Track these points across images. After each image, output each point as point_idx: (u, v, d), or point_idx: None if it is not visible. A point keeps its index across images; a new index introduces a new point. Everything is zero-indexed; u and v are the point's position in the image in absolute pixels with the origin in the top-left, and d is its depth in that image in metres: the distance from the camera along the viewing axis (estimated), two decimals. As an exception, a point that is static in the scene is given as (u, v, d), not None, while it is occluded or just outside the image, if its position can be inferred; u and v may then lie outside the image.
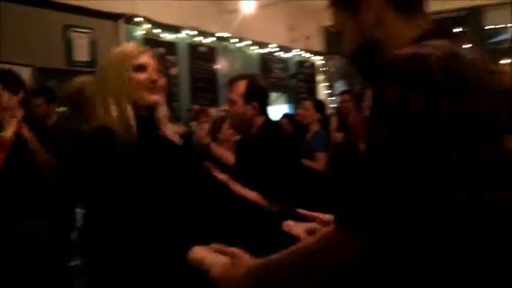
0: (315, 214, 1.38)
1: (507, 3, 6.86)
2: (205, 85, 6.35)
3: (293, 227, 1.46)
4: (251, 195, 2.40)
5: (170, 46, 5.89)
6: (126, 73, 1.57)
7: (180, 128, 1.78)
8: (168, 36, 5.87)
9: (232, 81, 2.52)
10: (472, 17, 7.20)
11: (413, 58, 0.87)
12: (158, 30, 5.71)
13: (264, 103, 2.48)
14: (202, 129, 4.01)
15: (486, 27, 7.31)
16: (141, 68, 1.59)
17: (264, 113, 2.49)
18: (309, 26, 7.94)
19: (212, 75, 6.48)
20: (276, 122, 2.86)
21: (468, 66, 0.92)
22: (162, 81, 1.63)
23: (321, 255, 0.96)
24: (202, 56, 6.33)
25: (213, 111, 5.86)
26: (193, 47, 6.22)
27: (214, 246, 1.17)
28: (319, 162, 4.17)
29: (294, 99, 7.85)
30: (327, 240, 0.96)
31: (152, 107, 1.63)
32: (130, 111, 1.57)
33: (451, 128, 0.86)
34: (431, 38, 0.96)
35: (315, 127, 4.55)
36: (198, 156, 2.63)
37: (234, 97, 2.46)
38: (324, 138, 4.46)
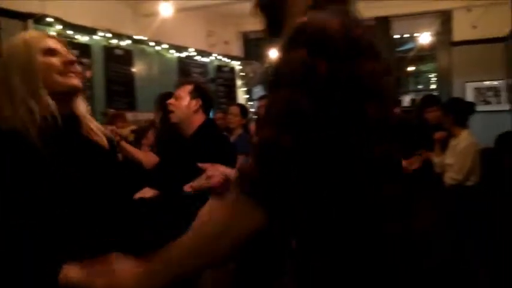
0: (214, 166, 1.30)
1: (413, 14, 7.32)
2: (122, 88, 6.18)
3: None
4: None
5: (84, 48, 5.67)
6: (35, 57, 1.32)
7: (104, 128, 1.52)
8: (81, 38, 5.65)
9: (181, 83, 2.75)
10: (380, 26, 7.59)
11: (317, 25, 0.91)
12: (71, 32, 5.47)
13: (207, 104, 2.69)
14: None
15: (394, 36, 7.75)
16: (51, 51, 1.36)
17: (206, 113, 2.69)
18: (227, 31, 7.98)
19: (129, 79, 6.32)
20: (215, 125, 3.00)
21: (363, 32, 0.97)
22: (77, 66, 1.40)
23: (226, 229, 0.88)
24: (118, 59, 6.15)
25: (130, 116, 5.73)
26: (109, 50, 6.03)
27: (87, 262, 1.02)
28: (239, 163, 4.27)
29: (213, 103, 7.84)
30: (231, 211, 0.89)
31: (71, 100, 1.39)
32: (50, 100, 1.30)
33: (351, 92, 0.89)
34: (330, 3, 1.00)
35: (238, 131, 4.73)
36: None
37: (181, 93, 2.64)
38: (247, 141, 4.59)
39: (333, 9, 0.97)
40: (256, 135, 0.92)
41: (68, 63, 1.36)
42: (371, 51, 0.96)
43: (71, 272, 0.99)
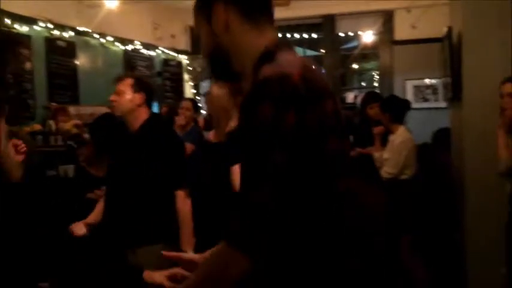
0: (177, 254, 1.41)
1: (357, 12, 7.51)
2: (64, 82, 6.00)
3: (154, 275, 1.49)
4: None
5: (24, 39, 5.47)
6: None
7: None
8: (21, 29, 5.44)
9: (120, 77, 2.71)
10: (326, 24, 7.75)
11: (279, 78, 0.94)
12: (9, 21, 5.26)
13: (150, 97, 2.68)
14: None
15: (339, 34, 7.92)
16: None
17: (149, 106, 2.68)
18: (174, 25, 7.90)
19: (71, 72, 6.14)
20: (161, 118, 3.01)
21: (318, 75, 1.02)
22: None
23: (218, 276, 1.00)
24: (60, 51, 5.97)
25: (73, 110, 5.60)
26: (51, 41, 5.84)
27: None
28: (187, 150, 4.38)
29: (159, 97, 7.77)
30: (220, 261, 1.00)
31: None
32: None
33: (319, 132, 0.94)
34: (280, 50, 1.04)
35: (190, 125, 4.90)
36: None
37: (123, 88, 2.62)
38: (197, 133, 4.79)
39: (285, 58, 1.01)
40: (242, 192, 0.97)
41: None
42: (327, 91, 1.01)
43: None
